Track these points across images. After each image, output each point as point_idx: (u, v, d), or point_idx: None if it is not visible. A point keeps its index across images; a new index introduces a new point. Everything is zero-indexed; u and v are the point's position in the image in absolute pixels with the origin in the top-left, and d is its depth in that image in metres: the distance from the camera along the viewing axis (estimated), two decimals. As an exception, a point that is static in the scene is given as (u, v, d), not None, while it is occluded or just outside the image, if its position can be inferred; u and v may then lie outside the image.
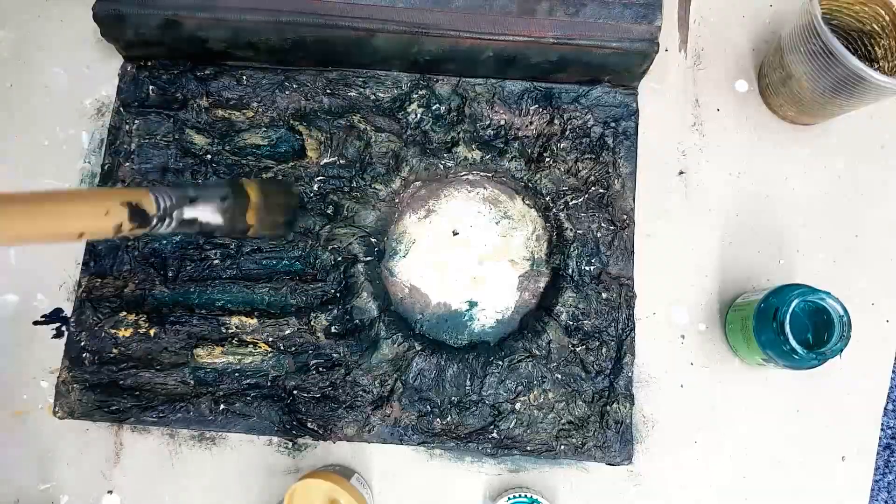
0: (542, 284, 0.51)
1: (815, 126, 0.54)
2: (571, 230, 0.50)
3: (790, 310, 0.43)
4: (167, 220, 0.39)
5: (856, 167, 0.53)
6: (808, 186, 0.53)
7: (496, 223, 0.52)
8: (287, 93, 0.52)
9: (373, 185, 0.51)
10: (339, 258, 0.50)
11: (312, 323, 0.49)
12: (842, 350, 0.42)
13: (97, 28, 0.50)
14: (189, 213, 0.40)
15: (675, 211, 0.52)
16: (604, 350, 0.48)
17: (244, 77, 0.52)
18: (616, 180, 0.51)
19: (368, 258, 0.50)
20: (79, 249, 0.51)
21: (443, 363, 0.48)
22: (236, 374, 0.48)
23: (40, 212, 0.34)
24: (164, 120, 0.52)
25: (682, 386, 0.50)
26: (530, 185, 0.51)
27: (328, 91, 0.52)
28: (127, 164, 0.51)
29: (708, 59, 0.55)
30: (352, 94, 0.52)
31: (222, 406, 0.48)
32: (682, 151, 0.53)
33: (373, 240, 0.51)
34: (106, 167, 0.52)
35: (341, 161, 0.51)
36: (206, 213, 0.41)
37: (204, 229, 0.41)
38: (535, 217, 0.52)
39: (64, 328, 0.50)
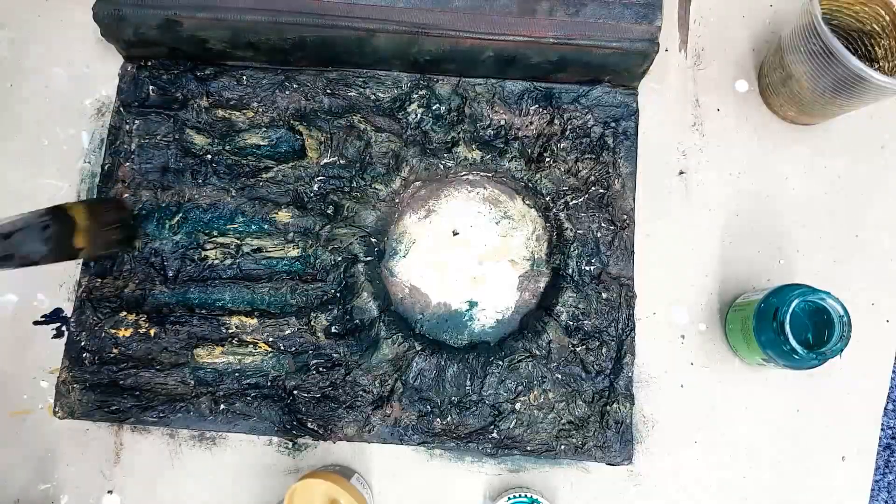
0: (542, 284, 0.51)
1: (816, 126, 0.54)
2: (571, 230, 0.50)
3: (790, 310, 0.43)
4: None
5: (856, 167, 0.53)
6: (808, 186, 0.53)
7: (496, 223, 0.52)
8: (287, 93, 0.52)
9: (373, 185, 0.51)
10: (340, 258, 0.50)
11: (312, 323, 0.49)
12: (842, 350, 0.42)
13: (97, 28, 0.50)
14: (4, 249, 0.39)
15: (675, 211, 0.52)
16: (604, 350, 0.48)
17: (244, 77, 0.52)
18: (616, 180, 0.51)
19: (368, 258, 0.50)
20: (79, 249, 0.51)
21: (443, 363, 0.48)
22: (236, 374, 0.48)
23: None
24: (165, 120, 0.52)
25: (682, 386, 0.50)
26: (530, 185, 0.51)
27: (328, 91, 0.52)
28: (127, 164, 0.51)
29: (708, 59, 0.55)
30: (352, 94, 0.52)
31: (222, 406, 0.48)
32: (682, 151, 0.53)
33: (373, 240, 0.51)
34: (106, 167, 0.52)
35: (341, 161, 0.51)
36: (26, 246, 0.40)
37: (25, 261, 0.41)
38: (535, 217, 0.52)
39: (64, 328, 0.50)
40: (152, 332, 0.49)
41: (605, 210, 0.51)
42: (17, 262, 0.41)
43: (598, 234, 0.50)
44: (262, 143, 0.52)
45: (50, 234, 0.42)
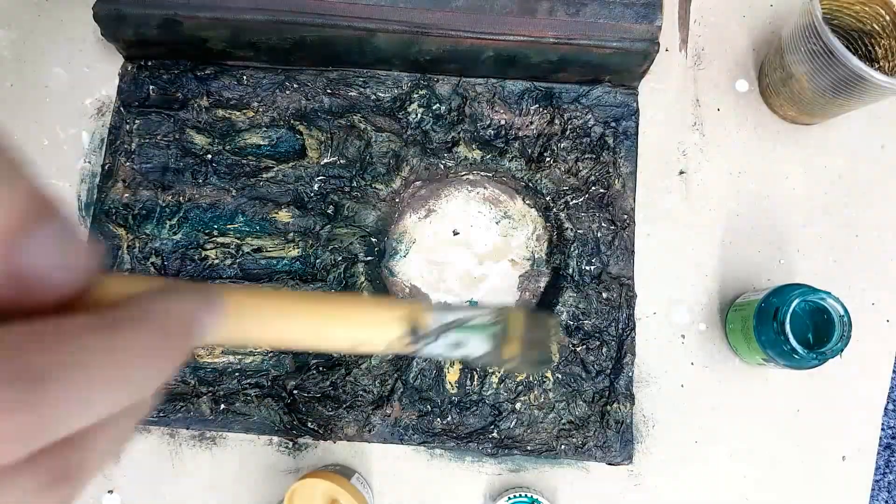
0: (542, 284, 0.51)
1: (816, 126, 0.54)
2: (572, 230, 0.50)
3: (790, 310, 0.43)
4: (437, 341, 0.37)
5: (856, 167, 0.53)
6: (808, 186, 0.53)
7: (496, 223, 0.52)
8: (287, 93, 0.52)
9: (373, 185, 0.51)
10: (340, 258, 0.50)
11: (313, 323, 0.49)
12: (842, 350, 0.42)
13: (97, 28, 0.50)
14: (459, 335, 0.35)
15: (675, 211, 0.52)
16: (604, 350, 0.48)
17: (244, 77, 0.52)
18: (616, 180, 0.51)
19: (369, 258, 0.50)
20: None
21: (443, 363, 0.48)
22: (237, 374, 0.48)
23: (321, 318, 0.31)
24: (165, 120, 0.52)
25: (682, 386, 0.50)
26: (531, 184, 0.51)
27: (328, 91, 0.52)
28: (127, 163, 0.51)
29: (708, 59, 0.55)
30: (352, 93, 0.52)
31: (222, 406, 0.48)
32: (682, 151, 0.53)
33: (373, 240, 0.51)
34: (106, 167, 0.52)
35: (342, 161, 0.51)
36: (471, 340, 0.36)
37: (465, 356, 0.39)
38: (535, 217, 0.52)
39: (64, 328, 0.50)
40: (152, 331, 0.49)
41: (605, 210, 0.51)
42: (457, 355, 0.38)
43: (599, 234, 0.50)
44: (262, 142, 0.52)
45: (492, 334, 0.37)
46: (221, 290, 0.25)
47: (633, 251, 0.50)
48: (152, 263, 0.50)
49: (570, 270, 0.50)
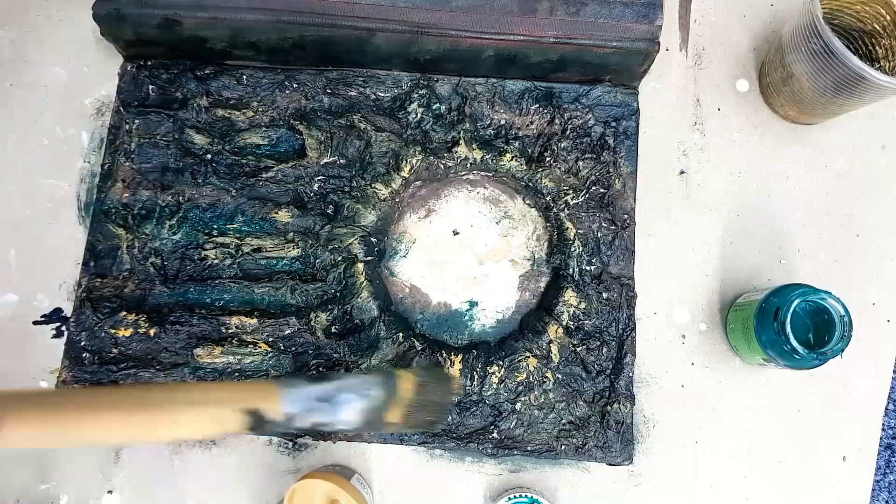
0: (542, 284, 0.51)
1: (816, 126, 0.54)
2: (572, 230, 0.50)
3: (791, 310, 0.42)
4: (290, 424, 0.34)
5: (856, 167, 0.53)
6: (808, 186, 0.53)
7: (497, 223, 0.52)
8: (287, 92, 0.52)
9: (373, 185, 0.51)
10: (340, 258, 0.50)
11: (312, 323, 0.49)
12: (842, 350, 0.42)
13: (97, 27, 0.50)
14: (321, 417, 0.34)
15: (675, 210, 0.52)
16: (604, 350, 0.48)
17: (244, 76, 0.52)
18: (617, 180, 0.51)
19: (369, 258, 0.50)
20: (79, 249, 0.51)
21: (443, 363, 0.48)
22: (236, 374, 0.48)
23: (149, 420, 0.31)
24: (164, 119, 0.52)
25: (682, 386, 0.50)
26: (531, 184, 0.51)
27: (328, 90, 0.52)
28: (127, 163, 0.51)
29: (709, 59, 0.55)
30: (352, 93, 0.52)
31: (222, 406, 0.48)
32: (682, 151, 0.53)
33: (373, 239, 0.51)
34: (106, 167, 0.52)
35: (341, 161, 0.51)
36: (342, 416, 0.35)
37: (332, 430, 0.35)
38: (535, 217, 0.52)
39: (64, 328, 0.50)
40: (152, 332, 0.49)
41: (605, 210, 0.51)
42: (327, 429, 0.35)
43: (599, 234, 0.50)
44: (262, 142, 0.52)
45: (372, 405, 0.35)
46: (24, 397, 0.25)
47: (634, 251, 0.50)
48: (152, 263, 0.50)
49: (571, 270, 0.50)
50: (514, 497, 0.45)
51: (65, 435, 0.28)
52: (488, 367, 0.48)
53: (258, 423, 0.32)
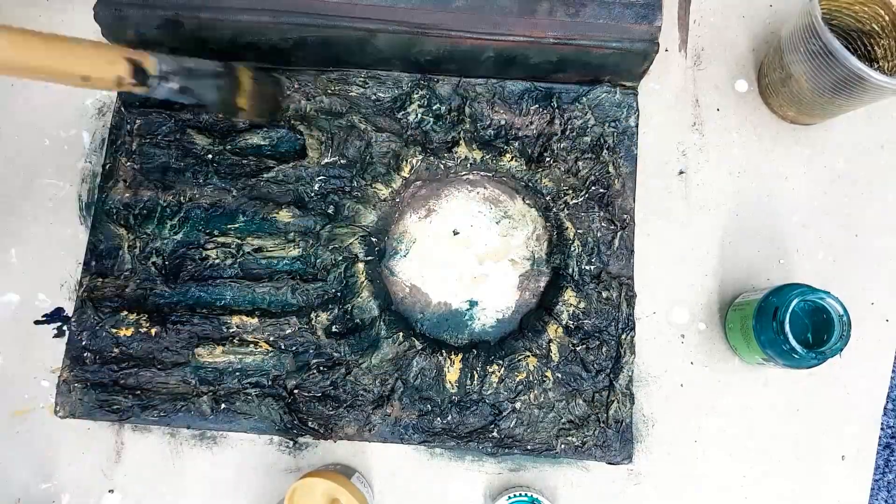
0: (542, 284, 0.51)
1: (815, 126, 0.54)
2: (572, 230, 0.50)
3: (790, 309, 0.43)
4: (166, 84, 0.41)
5: (856, 167, 0.53)
6: (808, 186, 0.53)
7: (496, 223, 0.52)
8: (288, 92, 0.52)
9: (373, 185, 0.51)
10: (340, 258, 0.50)
11: (313, 322, 0.49)
12: (841, 349, 0.42)
13: (98, 28, 0.50)
14: (186, 82, 0.42)
15: (675, 210, 0.52)
16: (604, 349, 0.49)
17: (245, 77, 0.53)
18: (616, 180, 0.51)
19: (369, 258, 0.50)
20: (80, 249, 0.51)
21: (443, 362, 0.48)
22: (237, 374, 0.48)
23: (51, 46, 0.37)
24: (165, 120, 0.52)
25: (682, 385, 0.50)
26: (530, 184, 0.51)
27: (329, 91, 0.52)
28: (128, 163, 0.52)
29: (708, 59, 0.55)
30: (352, 94, 0.52)
31: (223, 405, 0.48)
32: (682, 151, 0.53)
33: (373, 239, 0.51)
34: (107, 167, 0.52)
35: (342, 161, 0.51)
36: (202, 87, 0.43)
37: (199, 100, 0.44)
38: (535, 217, 0.52)
39: (65, 327, 0.50)
40: (153, 331, 0.49)
41: (605, 209, 0.51)
42: (194, 99, 0.43)
43: (599, 234, 0.50)
44: (262, 143, 0.52)
45: (222, 84, 0.45)
46: None
47: (633, 251, 0.50)
48: (153, 263, 0.50)
49: (570, 270, 0.50)
50: (514, 496, 0.45)
51: None
52: (488, 367, 0.48)
53: (139, 74, 0.40)
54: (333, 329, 0.49)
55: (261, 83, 0.49)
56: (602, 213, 0.51)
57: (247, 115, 0.48)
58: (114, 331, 0.49)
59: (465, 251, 0.52)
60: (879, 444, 0.50)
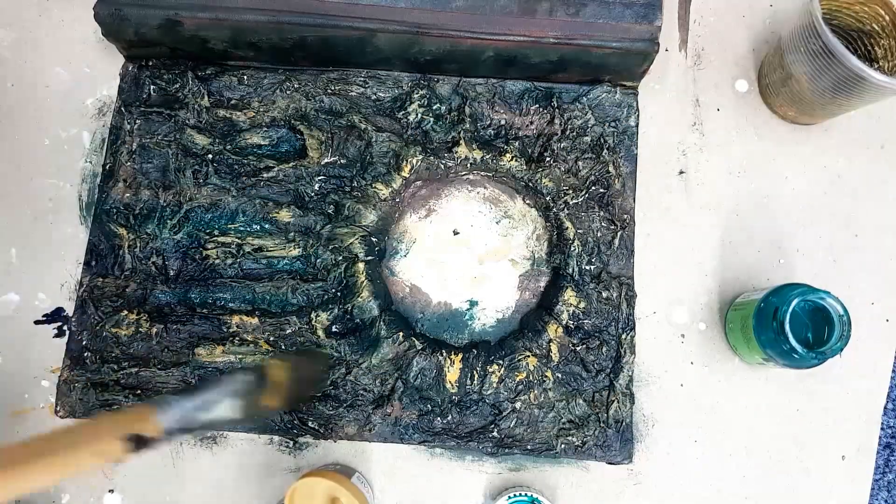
0: (542, 284, 0.51)
1: (816, 126, 0.54)
2: (572, 230, 0.50)
3: (790, 309, 0.43)
4: (173, 436, 0.37)
5: (856, 167, 0.53)
6: (808, 186, 0.53)
7: (497, 223, 0.52)
8: (288, 92, 0.52)
9: (374, 185, 0.51)
10: (340, 257, 0.50)
11: (313, 322, 0.49)
12: (842, 349, 0.42)
13: (98, 28, 0.50)
14: (200, 419, 0.37)
15: (675, 210, 0.52)
16: (604, 349, 0.49)
17: (245, 77, 0.53)
18: (616, 180, 0.51)
19: (369, 257, 0.50)
20: (80, 249, 0.51)
21: (443, 362, 0.48)
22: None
23: (42, 464, 0.33)
24: (166, 120, 0.52)
25: (682, 385, 0.50)
26: (531, 184, 0.51)
27: (329, 91, 0.52)
28: (128, 163, 0.52)
29: (708, 59, 0.55)
30: (352, 93, 0.52)
31: (223, 405, 0.48)
32: (682, 151, 0.53)
33: (374, 239, 0.51)
34: (107, 167, 0.52)
35: (342, 161, 0.51)
36: (219, 413, 0.38)
37: (216, 427, 0.40)
38: (535, 216, 0.52)
39: (65, 327, 0.50)
40: (153, 331, 0.49)
41: (605, 209, 0.51)
42: (210, 429, 0.40)
43: (599, 234, 0.50)
44: (262, 142, 0.52)
45: (246, 399, 0.39)
46: None
47: (633, 251, 0.50)
48: (153, 263, 0.50)
49: (570, 270, 0.50)
50: (514, 496, 0.45)
51: None
52: (488, 367, 0.48)
53: (141, 444, 0.36)
54: (333, 329, 0.49)
55: (299, 370, 0.44)
56: (602, 213, 0.51)
57: (275, 409, 0.43)
58: (114, 331, 0.49)
59: (465, 251, 0.52)
60: (879, 444, 0.50)
